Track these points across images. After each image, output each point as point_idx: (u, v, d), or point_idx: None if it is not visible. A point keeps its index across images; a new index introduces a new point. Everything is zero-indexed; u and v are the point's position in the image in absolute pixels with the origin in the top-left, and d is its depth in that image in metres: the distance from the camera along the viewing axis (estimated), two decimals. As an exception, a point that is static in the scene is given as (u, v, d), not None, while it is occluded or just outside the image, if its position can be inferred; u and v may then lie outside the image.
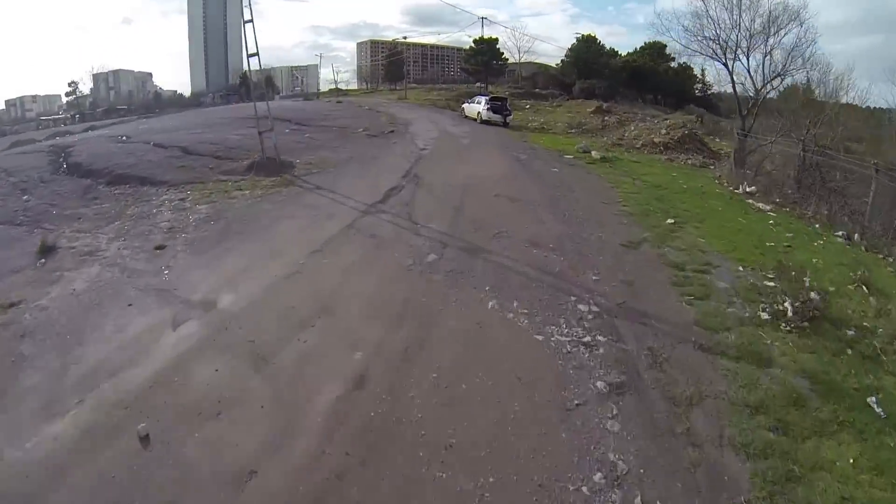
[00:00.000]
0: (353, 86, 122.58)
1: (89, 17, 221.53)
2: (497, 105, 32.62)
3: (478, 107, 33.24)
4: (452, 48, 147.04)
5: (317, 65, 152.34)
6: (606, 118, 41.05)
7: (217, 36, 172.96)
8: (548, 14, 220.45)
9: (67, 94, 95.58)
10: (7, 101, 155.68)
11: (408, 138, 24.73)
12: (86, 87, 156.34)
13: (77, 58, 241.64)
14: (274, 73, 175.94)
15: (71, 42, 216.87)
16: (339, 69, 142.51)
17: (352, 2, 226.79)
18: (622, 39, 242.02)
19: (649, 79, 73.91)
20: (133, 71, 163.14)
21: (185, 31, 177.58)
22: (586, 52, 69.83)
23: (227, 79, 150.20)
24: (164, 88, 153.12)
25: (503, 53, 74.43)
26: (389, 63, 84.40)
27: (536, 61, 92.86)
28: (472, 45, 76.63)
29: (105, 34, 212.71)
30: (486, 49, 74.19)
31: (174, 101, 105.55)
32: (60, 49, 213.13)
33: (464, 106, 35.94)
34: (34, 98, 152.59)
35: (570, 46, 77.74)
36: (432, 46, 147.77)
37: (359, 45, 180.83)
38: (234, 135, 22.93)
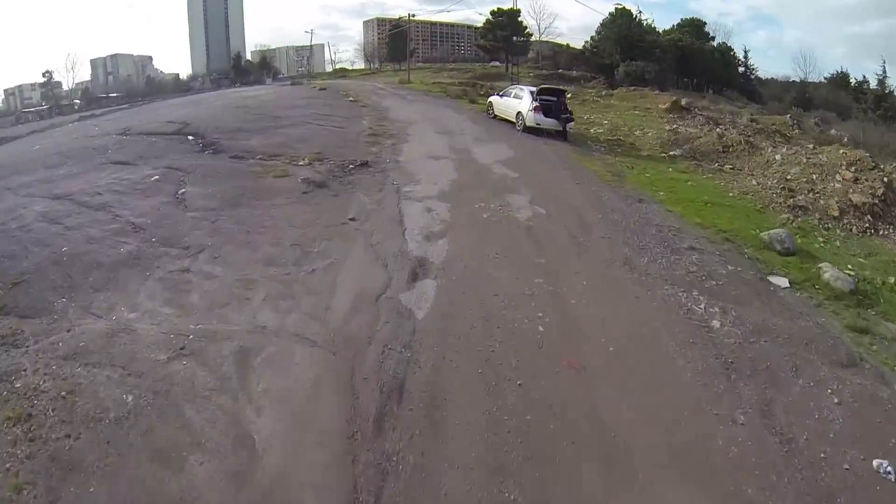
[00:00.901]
0: (361, 65, 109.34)
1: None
2: (550, 103, 18.68)
3: (517, 103, 19.38)
4: (463, 26, 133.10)
5: (323, 45, 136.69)
6: (690, 120, 27.16)
7: (217, 15, 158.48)
8: None
9: (42, 85, 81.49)
10: (6, 91, 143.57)
11: (390, 194, 11.04)
12: (85, 73, 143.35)
13: (78, 43, 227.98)
14: (277, 53, 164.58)
15: (71, 26, 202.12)
16: (337, 49, 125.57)
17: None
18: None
19: (695, 61, 59.10)
20: (132, 55, 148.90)
21: (185, 10, 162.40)
22: (628, 28, 54.90)
23: (229, 60, 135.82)
24: (166, 72, 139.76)
25: (526, 27, 59.41)
26: (392, 39, 69.70)
27: (554, 40, 78.42)
28: (490, 18, 61.85)
29: (107, 17, 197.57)
30: (507, 23, 59.47)
31: (164, 87, 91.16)
32: (60, 34, 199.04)
33: (492, 100, 21.88)
34: (33, 86, 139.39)
35: (602, 21, 62.87)
36: (442, 24, 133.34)
37: (365, 23, 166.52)
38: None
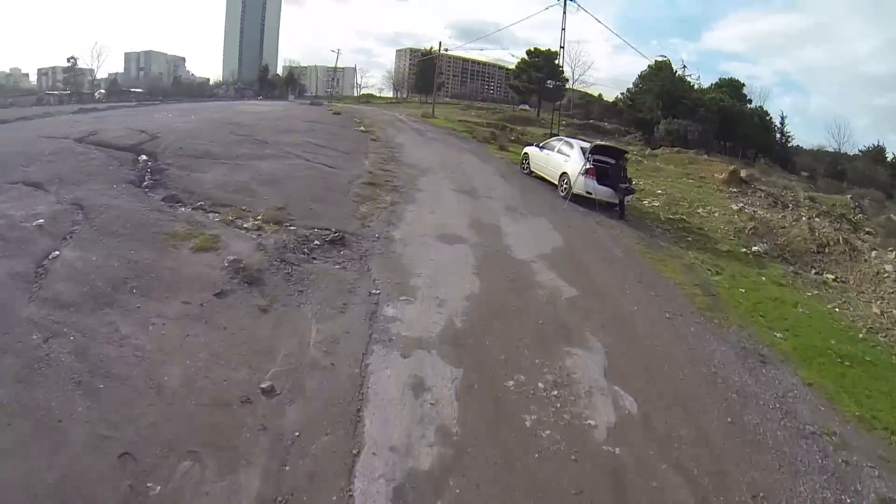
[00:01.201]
0: (388, 93, 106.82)
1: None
2: (606, 167, 14.14)
3: (562, 161, 14.93)
4: (494, 65, 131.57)
5: (353, 68, 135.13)
6: (752, 197, 22.76)
7: (254, 26, 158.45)
8: (591, 42, 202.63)
9: (65, 70, 78.96)
10: (39, 70, 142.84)
11: (358, 321, 6.05)
12: (118, 65, 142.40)
13: (114, 33, 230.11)
14: (308, 71, 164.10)
15: (113, 15, 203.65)
16: (367, 73, 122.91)
17: (398, 10, 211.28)
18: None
19: (736, 124, 54.93)
20: (166, 53, 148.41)
21: (223, 17, 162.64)
22: (671, 83, 50.96)
23: (259, 72, 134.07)
24: (197, 75, 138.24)
25: (563, 71, 55.60)
26: (421, 69, 66.24)
27: (586, 89, 74.83)
28: (525, 57, 58.24)
29: (147, 13, 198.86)
30: (543, 64, 55.72)
31: (188, 90, 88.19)
32: (101, 21, 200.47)
33: (529, 152, 17.42)
34: (65, 69, 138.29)
35: (641, 74, 59.21)
36: (473, 62, 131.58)
37: (398, 52, 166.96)
38: None
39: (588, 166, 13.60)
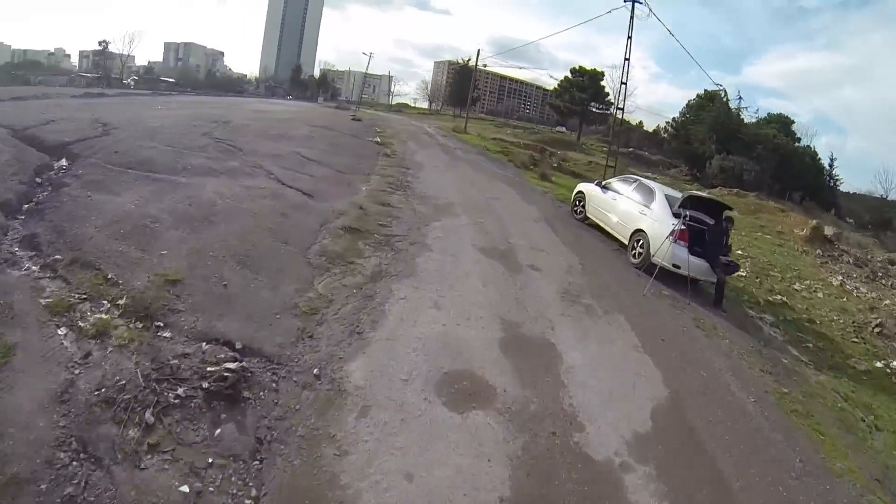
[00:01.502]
0: (423, 104, 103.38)
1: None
2: (702, 229, 9.58)
3: (637, 213, 10.49)
4: (531, 84, 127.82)
5: (388, 76, 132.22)
6: (842, 263, 18.38)
7: (294, 26, 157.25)
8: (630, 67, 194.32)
9: (95, 54, 76.97)
10: (81, 52, 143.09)
11: None
12: (156, 55, 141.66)
13: (162, 22, 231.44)
14: (344, 75, 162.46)
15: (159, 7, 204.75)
16: (399, 80, 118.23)
17: (439, 23, 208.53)
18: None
19: (790, 164, 49.54)
20: (205, 47, 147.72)
21: (264, 15, 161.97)
22: (726, 115, 46.06)
23: (300, 74, 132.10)
24: (235, 70, 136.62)
25: (608, 94, 51.01)
26: (457, 81, 62.38)
27: (627, 117, 70.05)
28: (568, 76, 53.83)
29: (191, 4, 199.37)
30: (587, 84, 51.20)
31: (219, 84, 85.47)
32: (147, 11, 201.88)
33: (586, 191, 12.83)
34: (95, 52, 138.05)
35: (689, 103, 54.56)
36: (511, 79, 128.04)
37: (436, 63, 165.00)
38: None
39: (680, 227, 9.13)
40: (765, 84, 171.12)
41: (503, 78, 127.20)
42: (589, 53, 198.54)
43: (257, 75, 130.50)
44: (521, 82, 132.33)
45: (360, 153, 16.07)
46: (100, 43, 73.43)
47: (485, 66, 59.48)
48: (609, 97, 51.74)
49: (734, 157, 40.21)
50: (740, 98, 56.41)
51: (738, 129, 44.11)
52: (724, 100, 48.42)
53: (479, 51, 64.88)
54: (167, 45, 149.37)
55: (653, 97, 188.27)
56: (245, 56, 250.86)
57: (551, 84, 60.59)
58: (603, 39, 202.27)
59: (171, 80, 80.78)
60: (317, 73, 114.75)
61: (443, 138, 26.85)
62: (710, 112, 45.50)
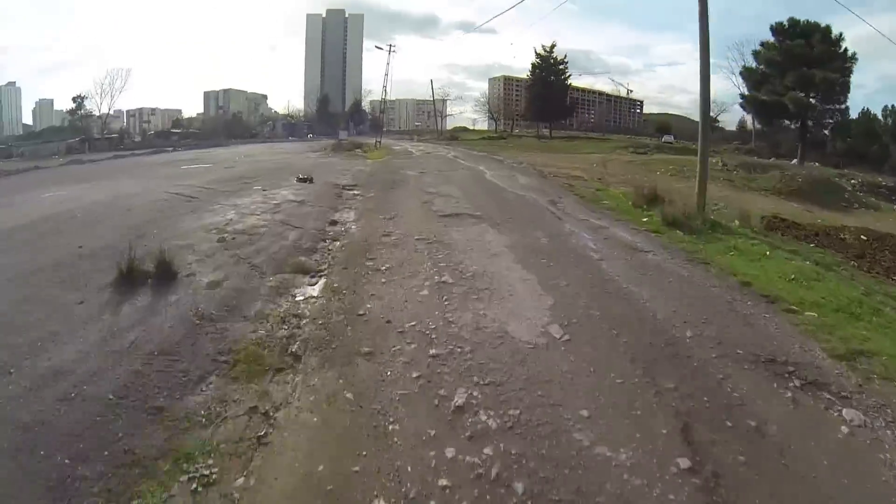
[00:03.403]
0: (483, 124, 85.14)
1: (234, 40, 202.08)
2: None
3: None
4: (594, 92, 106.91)
5: (444, 99, 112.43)
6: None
7: (334, 60, 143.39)
8: (682, 63, 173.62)
9: (71, 112, 62.28)
10: (128, 112, 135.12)
11: None
12: (197, 106, 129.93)
13: (209, 75, 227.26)
14: (396, 105, 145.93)
15: (204, 60, 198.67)
16: (449, 95, 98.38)
17: (486, 43, 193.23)
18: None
19: None
20: (245, 91, 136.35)
21: (303, 54, 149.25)
22: None
23: (343, 106, 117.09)
24: (278, 112, 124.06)
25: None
26: (538, 84, 42.86)
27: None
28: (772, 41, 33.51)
29: (247, 57, 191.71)
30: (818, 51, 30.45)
31: (233, 130, 68.58)
32: (190, 66, 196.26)
33: None
34: (153, 111, 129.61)
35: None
36: (576, 88, 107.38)
37: (491, 80, 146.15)
38: None
39: None
40: None
41: (582, 90, 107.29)
42: (635, 56, 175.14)
43: (303, 113, 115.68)
44: (583, 90, 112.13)
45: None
46: (74, 100, 58.32)
47: (579, 74, 40.83)
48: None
49: None
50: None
51: None
52: None
53: (553, 45, 46.33)
54: (206, 94, 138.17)
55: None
56: (289, 96, 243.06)
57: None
58: (652, 38, 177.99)
59: (177, 132, 66.21)
60: (368, 106, 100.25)
61: (534, 185, 9.73)
62: None
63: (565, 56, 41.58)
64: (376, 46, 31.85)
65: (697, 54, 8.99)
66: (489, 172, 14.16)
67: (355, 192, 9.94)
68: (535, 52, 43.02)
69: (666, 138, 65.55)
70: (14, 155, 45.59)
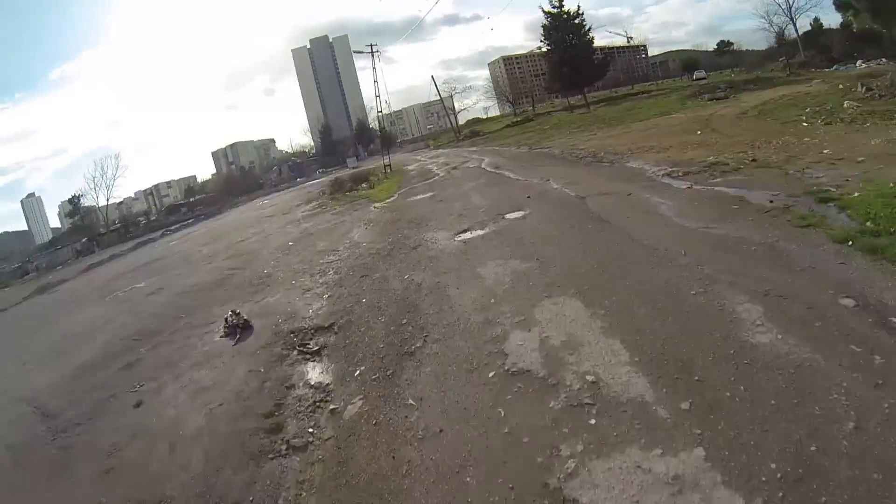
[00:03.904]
0: (495, 110, 78.03)
1: (234, 95, 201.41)
2: None
3: None
4: (596, 48, 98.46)
5: (451, 95, 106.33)
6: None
7: (331, 87, 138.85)
8: None
9: (69, 214, 59.02)
10: (145, 192, 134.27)
11: None
12: (208, 169, 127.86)
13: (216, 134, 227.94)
14: (404, 114, 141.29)
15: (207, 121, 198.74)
16: (456, 89, 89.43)
17: (474, 32, 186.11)
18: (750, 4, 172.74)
19: None
20: (252, 140, 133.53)
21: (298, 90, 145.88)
22: None
23: (350, 129, 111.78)
24: (289, 151, 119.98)
25: None
26: (558, 49, 35.25)
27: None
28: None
29: (244, 110, 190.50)
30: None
31: (233, 187, 63.75)
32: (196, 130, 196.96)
33: None
34: (169, 184, 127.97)
35: None
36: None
37: (490, 65, 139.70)
38: None
39: None
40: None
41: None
42: (624, 3, 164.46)
43: (314, 149, 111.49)
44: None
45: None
46: (70, 201, 54.54)
47: (579, 13, 33.46)
48: None
49: None
50: None
51: None
52: None
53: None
54: (215, 154, 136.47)
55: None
56: (294, 134, 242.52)
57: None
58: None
59: (185, 203, 62.43)
60: (376, 125, 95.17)
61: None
62: None
63: (579, 7, 34.02)
64: (354, 51, 26.10)
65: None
66: (579, 191, 7.77)
67: (325, 373, 3.89)
68: (543, 11, 35.70)
69: (698, 74, 57.62)
70: (30, 271, 42.13)
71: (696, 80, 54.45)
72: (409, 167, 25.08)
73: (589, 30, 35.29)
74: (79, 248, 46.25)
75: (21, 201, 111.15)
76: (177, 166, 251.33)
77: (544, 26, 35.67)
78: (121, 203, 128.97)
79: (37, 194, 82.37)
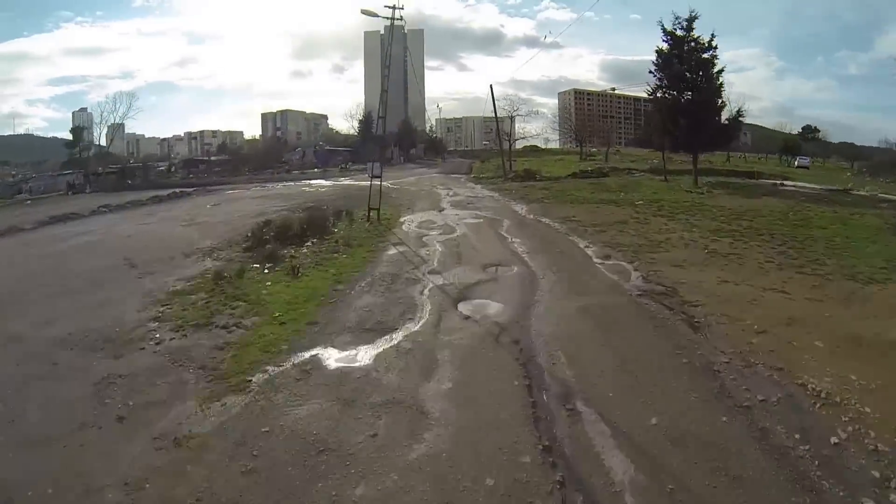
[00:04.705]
0: (555, 143, 74.92)
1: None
2: None
3: None
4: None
5: (512, 116, 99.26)
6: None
7: (395, 77, 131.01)
8: (750, 69, 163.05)
9: (68, 145, 52.83)
10: (189, 134, 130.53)
11: None
12: (255, 127, 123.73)
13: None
14: (463, 123, 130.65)
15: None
16: (518, 110, 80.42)
17: (552, 59, 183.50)
18: (834, 95, 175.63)
19: None
20: (304, 112, 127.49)
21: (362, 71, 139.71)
22: None
23: (403, 126, 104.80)
24: (340, 132, 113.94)
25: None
26: (676, 91, 25.05)
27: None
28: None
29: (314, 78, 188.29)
30: None
31: (248, 160, 55.91)
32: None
33: None
34: (214, 133, 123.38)
35: None
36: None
37: (560, 94, 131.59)
38: None
39: None
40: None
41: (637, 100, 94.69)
42: None
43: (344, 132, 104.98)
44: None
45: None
46: (72, 131, 48.44)
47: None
48: None
49: None
50: None
51: None
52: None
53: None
54: (264, 116, 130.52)
55: (779, 96, 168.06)
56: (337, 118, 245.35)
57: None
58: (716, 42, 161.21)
59: (204, 161, 55.41)
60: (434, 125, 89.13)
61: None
62: None
63: (713, 38, 23.49)
64: (362, 10, 16.95)
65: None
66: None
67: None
68: (663, 31, 25.12)
69: (801, 161, 48.19)
70: (23, 191, 39.87)
71: (800, 166, 45.37)
72: (417, 205, 20.54)
73: (720, 72, 24.79)
74: (72, 182, 41.81)
75: (73, 112, 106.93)
76: (228, 118, 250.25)
77: (659, 52, 25.48)
78: (164, 140, 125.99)
79: (89, 110, 77.33)
